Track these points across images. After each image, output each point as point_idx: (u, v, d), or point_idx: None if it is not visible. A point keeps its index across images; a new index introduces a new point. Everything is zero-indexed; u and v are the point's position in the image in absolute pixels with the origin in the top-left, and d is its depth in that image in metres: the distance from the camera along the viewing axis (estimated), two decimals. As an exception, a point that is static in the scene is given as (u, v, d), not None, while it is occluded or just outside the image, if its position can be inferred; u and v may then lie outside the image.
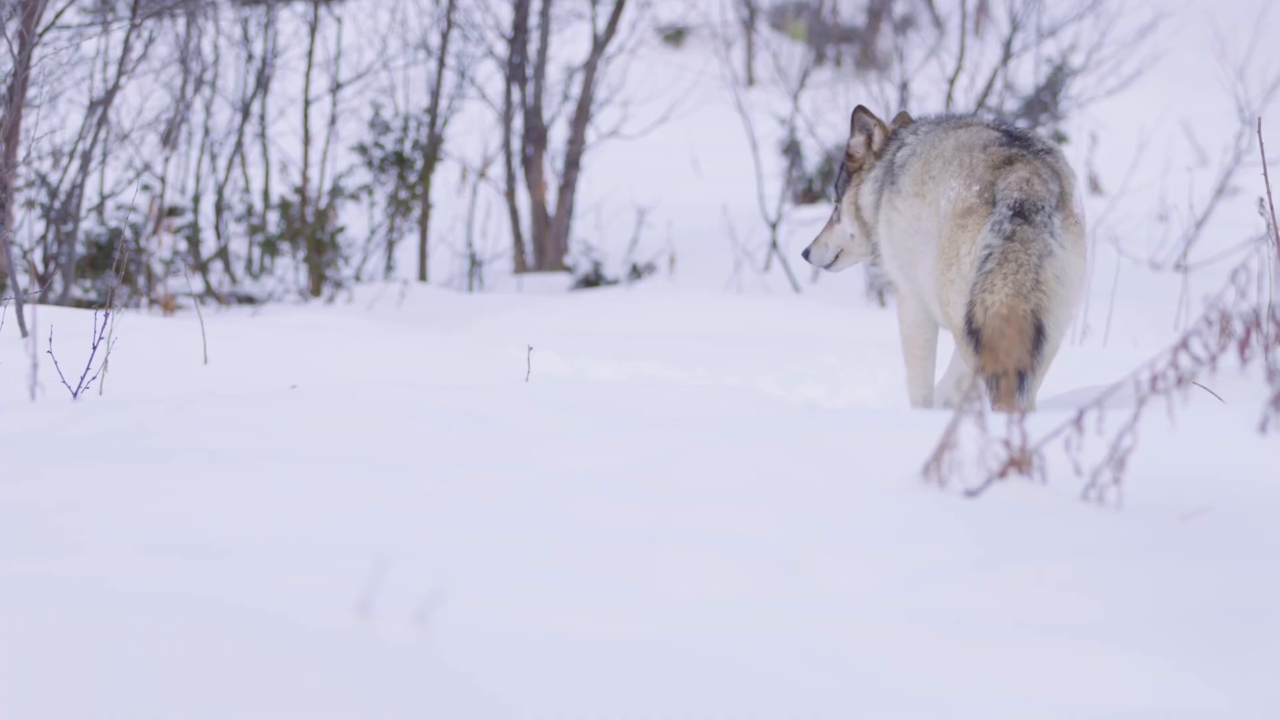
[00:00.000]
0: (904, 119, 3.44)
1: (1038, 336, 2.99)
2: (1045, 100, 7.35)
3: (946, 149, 3.20)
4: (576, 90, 6.95)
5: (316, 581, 1.58)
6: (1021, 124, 3.46)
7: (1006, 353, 2.64)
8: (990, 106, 7.17)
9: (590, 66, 6.93)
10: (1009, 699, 1.53)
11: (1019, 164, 3.10)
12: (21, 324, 3.64)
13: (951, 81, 7.12)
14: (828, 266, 3.56)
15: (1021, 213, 3.05)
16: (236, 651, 1.38)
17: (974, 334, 3.02)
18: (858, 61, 10.20)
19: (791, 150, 7.64)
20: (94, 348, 3.02)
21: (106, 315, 3.13)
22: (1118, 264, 6.08)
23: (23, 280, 5.27)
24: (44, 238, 5.44)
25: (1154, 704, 1.53)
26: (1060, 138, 7.62)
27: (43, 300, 5.05)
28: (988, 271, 3.02)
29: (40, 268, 5.41)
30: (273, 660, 1.38)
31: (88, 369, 2.96)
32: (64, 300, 5.19)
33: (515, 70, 6.81)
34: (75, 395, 2.91)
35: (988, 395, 3.01)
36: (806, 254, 3.60)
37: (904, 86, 7.12)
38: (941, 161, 3.19)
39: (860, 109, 3.46)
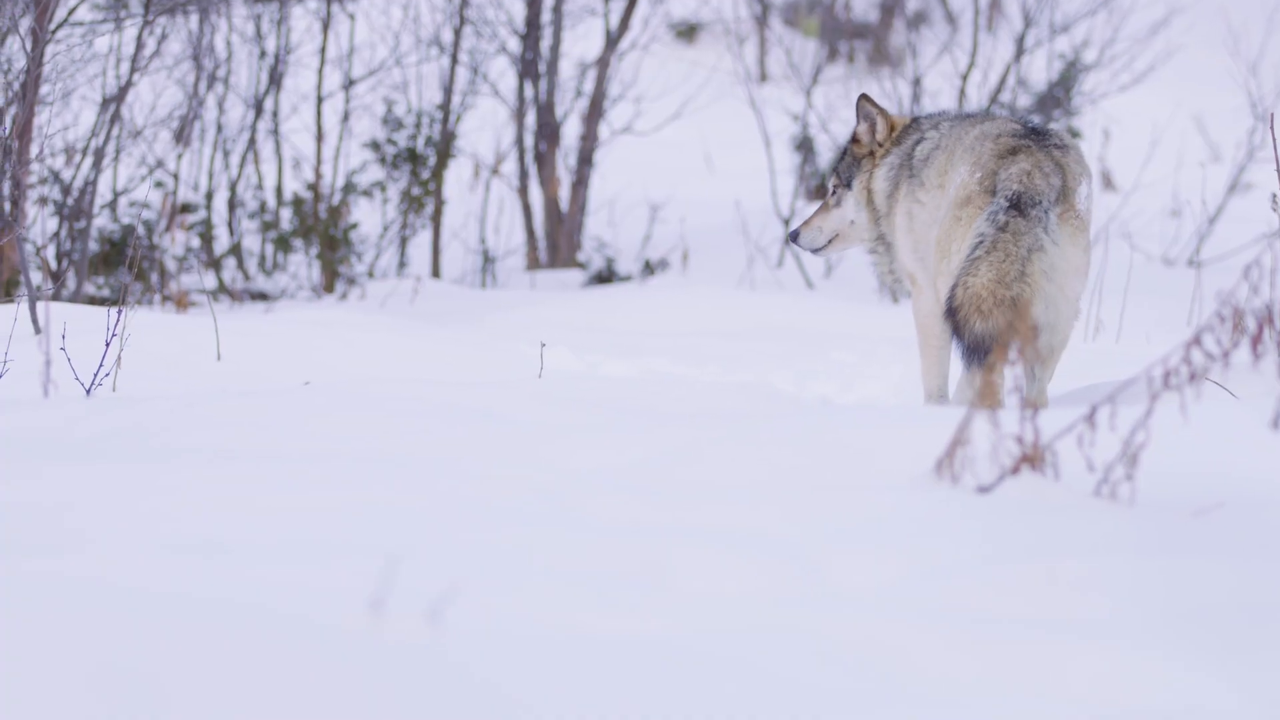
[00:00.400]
0: (886, 116, 3.46)
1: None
2: (1058, 96, 7.30)
3: (969, 139, 3.23)
4: (589, 86, 6.93)
5: (328, 580, 1.59)
6: (1035, 120, 3.48)
7: (1003, 343, 2.64)
8: (1003, 103, 7.14)
9: (603, 63, 6.91)
10: (1020, 696, 1.52)
11: (1022, 155, 3.12)
12: (35, 321, 3.66)
13: (964, 77, 7.09)
14: (817, 250, 3.56)
15: (1017, 205, 3.07)
16: (248, 650, 1.39)
17: (952, 312, 3.04)
18: (870, 57, 10.18)
19: (804, 146, 7.60)
20: (107, 345, 3.03)
21: (119, 312, 3.14)
22: (1130, 260, 6.05)
23: (36, 277, 5.29)
24: (57, 234, 5.45)
25: (1165, 702, 1.52)
26: (1073, 133, 7.57)
27: (56, 297, 5.07)
28: (975, 258, 3.05)
29: (53, 264, 5.43)
30: (284, 659, 1.39)
31: (100, 366, 2.98)
32: (77, 297, 5.21)
33: (528, 66, 6.80)
34: (88, 392, 2.92)
35: (974, 374, 3.06)
36: (794, 236, 3.60)
37: (917, 82, 7.09)
38: (961, 150, 3.23)
39: (863, 97, 3.48)
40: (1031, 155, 3.11)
